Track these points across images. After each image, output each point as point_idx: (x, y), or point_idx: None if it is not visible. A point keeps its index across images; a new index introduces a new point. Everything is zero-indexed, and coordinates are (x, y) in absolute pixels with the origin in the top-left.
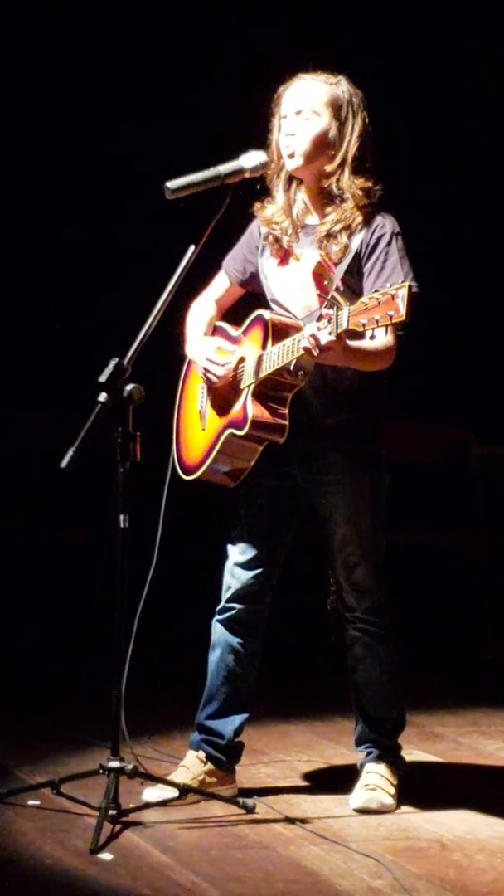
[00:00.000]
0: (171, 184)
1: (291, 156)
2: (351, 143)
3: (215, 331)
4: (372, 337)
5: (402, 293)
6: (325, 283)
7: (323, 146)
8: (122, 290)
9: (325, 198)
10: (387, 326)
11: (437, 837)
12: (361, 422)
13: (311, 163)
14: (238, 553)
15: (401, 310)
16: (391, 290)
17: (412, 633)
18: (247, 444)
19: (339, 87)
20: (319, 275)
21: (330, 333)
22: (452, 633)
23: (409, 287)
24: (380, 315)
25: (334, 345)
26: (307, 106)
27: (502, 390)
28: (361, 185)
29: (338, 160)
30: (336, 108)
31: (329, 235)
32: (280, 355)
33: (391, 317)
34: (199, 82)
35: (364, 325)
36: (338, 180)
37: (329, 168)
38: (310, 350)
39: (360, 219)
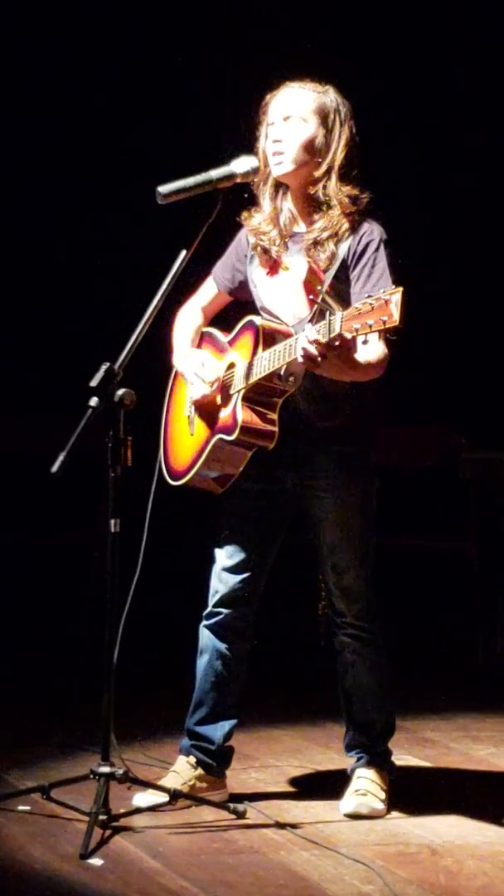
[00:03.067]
0: (163, 188)
1: (279, 162)
2: (338, 151)
3: (204, 337)
4: (365, 342)
5: (396, 298)
6: (318, 288)
7: (310, 152)
8: (113, 295)
9: (311, 205)
10: (380, 332)
11: (427, 843)
12: (353, 426)
13: (298, 169)
14: (225, 557)
15: (395, 315)
16: (385, 295)
17: (402, 637)
18: (236, 450)
19: (327, 95)
20: (309, 282)
21: (323, 337)
22: (443, 637)
23: (403, 292)
24: (373, 320)
25: (326, 352)
26: (295, 112)
27: (493, 395)
28: (348, 192)
29: (324, 167)
30: (323, 115)
31: (316, 243)
32: (271, 360)
33: (384, 322)
34: (192, 88)
35: (357, 330)
36: (324, 187)
37: (316, 174)
38: (307, 361)
39: (346, 226)
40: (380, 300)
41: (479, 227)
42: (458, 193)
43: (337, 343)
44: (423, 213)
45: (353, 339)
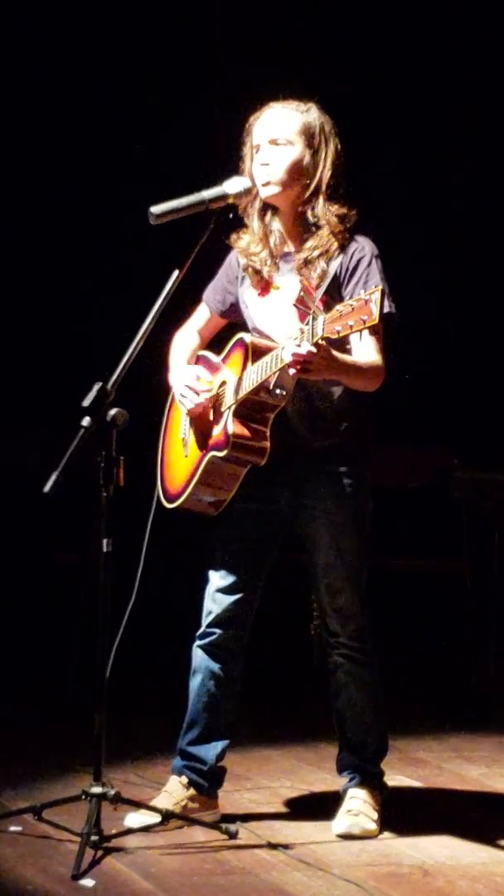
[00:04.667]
0: (156, 209)
1: (266, 184)
2: (325, 171)
3: (199, 360)
4: (348, 345)
5: (375, 297)
6: (310, 304)
7: (298, 174)
8: (106, 314)
9: (300, 226)
10: (360, 332)
11: (419, 863)
12: (348, 446)
13: (286, 191)
14: (219, 578)
15: (374, 313)
16: (364, 295)
17: (395, 657)
18: (228, 467)
19: (311, 114)
20: (302, 300)
21: (307, 341)
22: (435, 657)
23: (382, 290)
24: (353, 321)
25: (314, 356)
26: (280, 135)
27: (485, 414)
28: (336, 211)
29: (312, 187)
30: (309, 135)
31: (307, 262)
32: (259, 373)
33: (364, 321)
34: (184, 108)
35: (339, 332)
36: (313, 208)
37: (304, 196)
38: (296, 368)
39: (336, 244)
40: (360, 300)
41: (476, 247)
42: (450, 216)
43: (321, 346)
44: (413, 234)
45: (339, 340)
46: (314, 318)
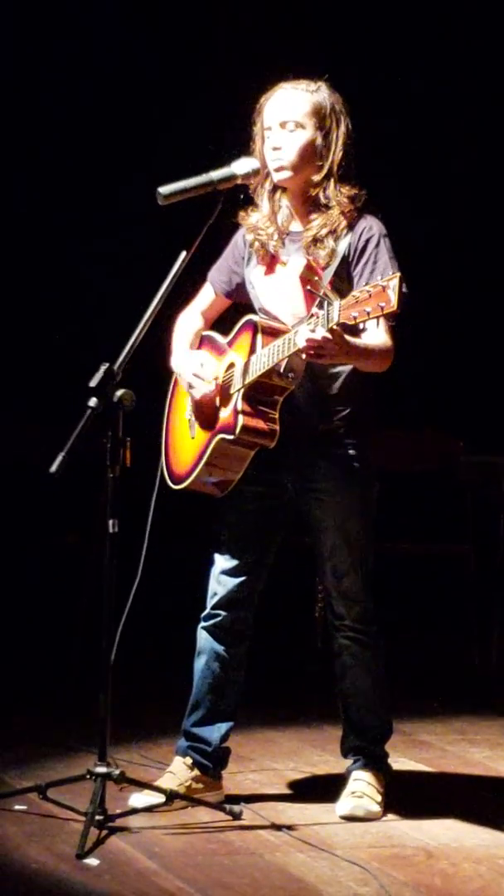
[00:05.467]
0: (164, 189)
1: (279, 169)
2: (336, 152)
3: (203, 341)
4: (363, 330)
5: (394, 284)
6: (315, 280)
7: (310, 157)
8: (113, 296)
9: (310, 206)
10: (378, 319)
11: (423, 845)
12: (353, 429)
13: (299, 174)
14: (224, 560)
15: (392, 300)
16: (382, 282)
17: (400, 641)
18: (237, 450)
19: (320, 94)
20: (307, 278)
21: (322, 326)
22: (439, 641)
23: (400, 278)
24: (371, 307)
25: (328, 342)
26: (291, 118)
27: (491, 399)
28: (347, 192)
29: (325, 170)
30: (320, 117)
31: (315, 241)
32: (270, 356)
33: (382, 308)
34: (192, 87)
35: (355, 318)
36: (325, 189)
37: (316, 178)
38: (310, 353)
39: (344, 223)
40: (377, 287)
41: (484, 231)
42: (459, 196)
43: (336, 332)
44: (422, 215)
45: (354, 327)
46: (329, 304)
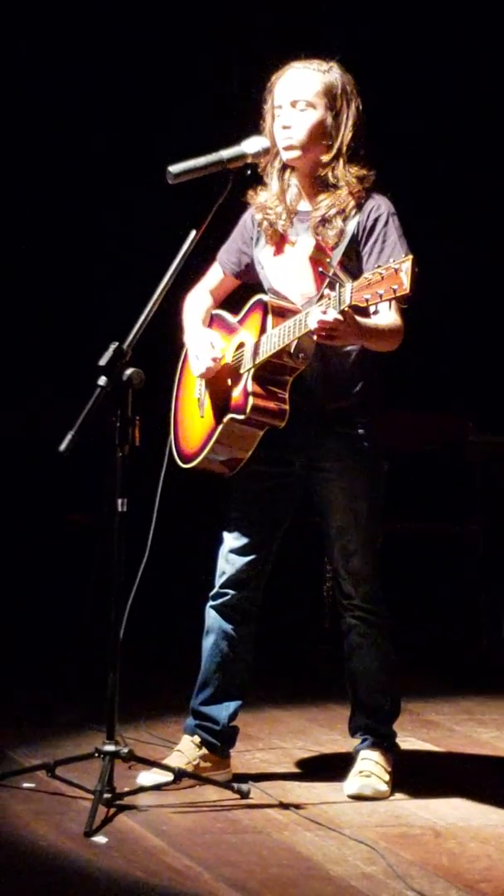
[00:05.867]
0: (174, 168)
1: (289, 148)
2: (346, 133)
3: (213, 319)
4: (375, 312)
5: (406, 266)
6: (326, 261)
7: (319, 137)
8: (123, 274)
9: (318, 185)
10: (390, 301)
11: (430, 825)
12: (361, 408)
13: (308, 154)
14: (233, 539)
15: (405, 283)
16: (394, 264)
17: (408, 620)
18: (247, 430)
19: (332, 74)
20: (317, 259)
21: (333, 309)
22: (448, 620)
23: (413, 260)
24: (383, 289)
25: (340, 324)
26: (301, 97)
27: (500, 379)
28: (356, 173)
29: (334, 150)
30: (331, 97)
31: (324, 221)
32: (281, 337)
33: (395, 290)
34: (201, 66)
35: (367, 301)
36: (333, 169)
37: (325, 158)
38: (321, 335)
39: (353, 203)
40: (390, 269)
41: (492, 211)
42: (468, 174)
43: (347, 313)
44: (429, 200)
45: (365, 308)
46: (341, 285)
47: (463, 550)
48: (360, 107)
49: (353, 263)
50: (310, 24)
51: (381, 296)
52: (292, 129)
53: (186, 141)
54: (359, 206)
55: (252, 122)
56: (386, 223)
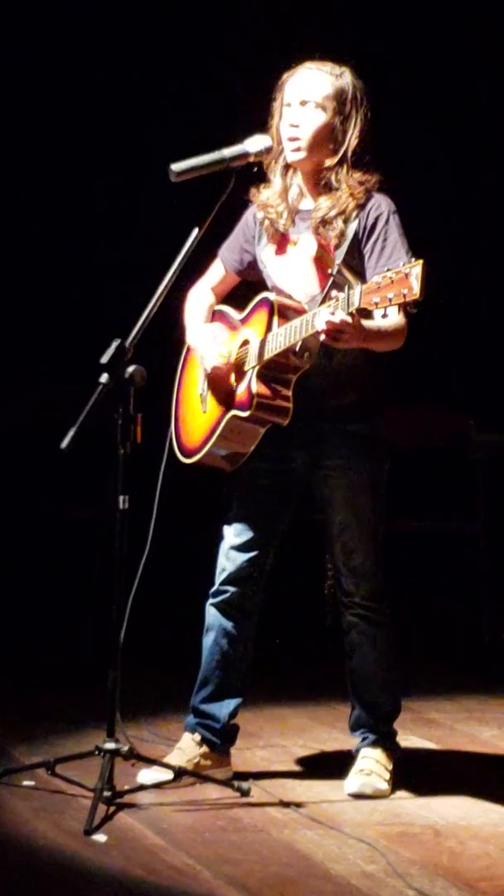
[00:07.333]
0: (176, 166)
1: (296, 149)
2: (352, 139)
3: (217, 315)
4: (384, 316)
5: (417, 271)
6: (332, 260)
7: (326, 140)
8: (126, 270)
9: (320, 187)
10: (400, 305)
11: (431, 823)
12: (364, 404)
13: (313, 156)
14: (234, 535)
15: (415, 288)
16: (405, 268)
17: (409, 618)
18: (250, 427)
19: (344, 78)
20: (321, 258)
21: (342, 310)
22: (449, 618)
23: (423, 265)
24: (393, 293)
25: (347, 326)
26: (312, 98)
27: (502, 377)
28: (359, 178)
29: (339, 155)
30: (341, 102)
31: (325, 222)
32: (287, 336)
33: (405, 295)
34: (204, 65)
35: (377, 304)
36: (336, 173)
37: (329, 162)
38: (328, 336)
39: (353, 203)
40: (399, 273)
41: (496, 210)
42: (472, 174)
43: (355, 316)
44: (433, 199)
45: (371, 311)
46: (350, 288)
47: (465, 548)
48: (369, 114)
49: (355, 262)
50: (316, 26)
51: (390, 300)
52: (300, 127)
53: (189, 138)
54: (359, 207)
55: (256, 120)
56: (387, 221)
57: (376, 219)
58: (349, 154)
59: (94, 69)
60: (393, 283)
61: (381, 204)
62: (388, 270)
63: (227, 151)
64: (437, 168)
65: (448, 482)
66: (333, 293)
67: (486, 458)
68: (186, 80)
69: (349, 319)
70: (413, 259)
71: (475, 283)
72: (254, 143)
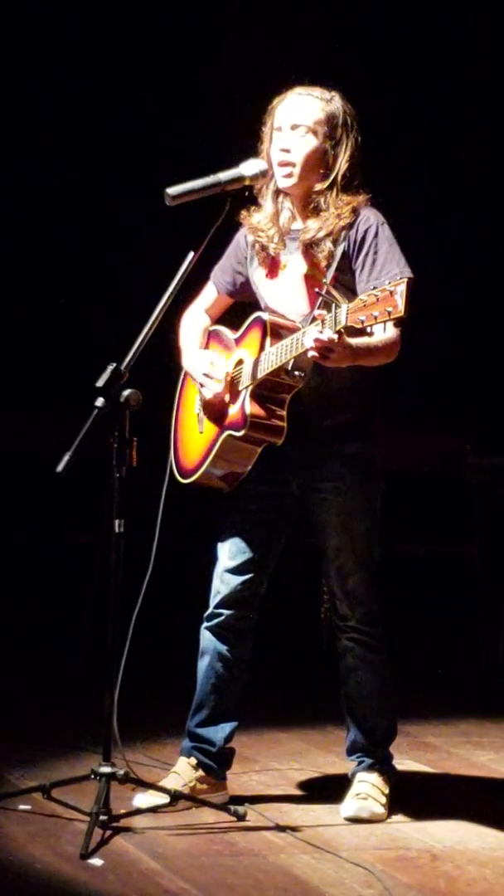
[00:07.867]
0: (172, 190)
1: (288, 175)
2: (342, 163)
3: (211, 335)
4: (370, 333)
5: (401, 289)
6: (322, 281)
7: (316, 165)
8: (121, 294)
9: (309, 210)
10: (385, 323)
11: (427, 847)
12: (358, 424)
13: (303, 181)
14: (228, 558)
15: (399, 306)
16: (389, 286)
17: (405, 641)
18: (245, 446)
19: (334, 103)
20: (312, 276)
21: (329, 328)
22: (445, 642)
23: (408, 282)
24: (378, 311)
25: (335, 344)
26: (302, 122)
27: (498, 401)
28: (347, 201)
29: (329, 180)
30: (331, 126)
31: (313, 243)
32: (278, 355)
33: (390, 313)
34: (200, 89)
35: (363, 322)
36: (326, 197)
37: (319, 187)
38: (317, 355)
39: (341, 224)
40: (385, 291)
41: (491, 229)
42: (467, 195)
43: (342, 335)
44: (429, 221)
45: (361, 329)
46: (337, 306)
47: (461, 572)
48: (359, 139)
49: (347, 278)
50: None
51: (375, 318)
52: (291, 152)
53: (185, 162)
54: (348, 226)
55: (250, 145)
56: (376, 234)
57: (365, 232)
58: (339, 178)
59: (90, 90)
60: (378, 302)
61: (370, 217)
62: (374, 289)
63: (223, 175)
64: (434, 183)
65: (444, 505)
66: (319, 312)
67: (483, 481)
68: (183, 101)
69: (335, 337)
70: (407, 266)
71: (472, 306)
72: (249, 167)
